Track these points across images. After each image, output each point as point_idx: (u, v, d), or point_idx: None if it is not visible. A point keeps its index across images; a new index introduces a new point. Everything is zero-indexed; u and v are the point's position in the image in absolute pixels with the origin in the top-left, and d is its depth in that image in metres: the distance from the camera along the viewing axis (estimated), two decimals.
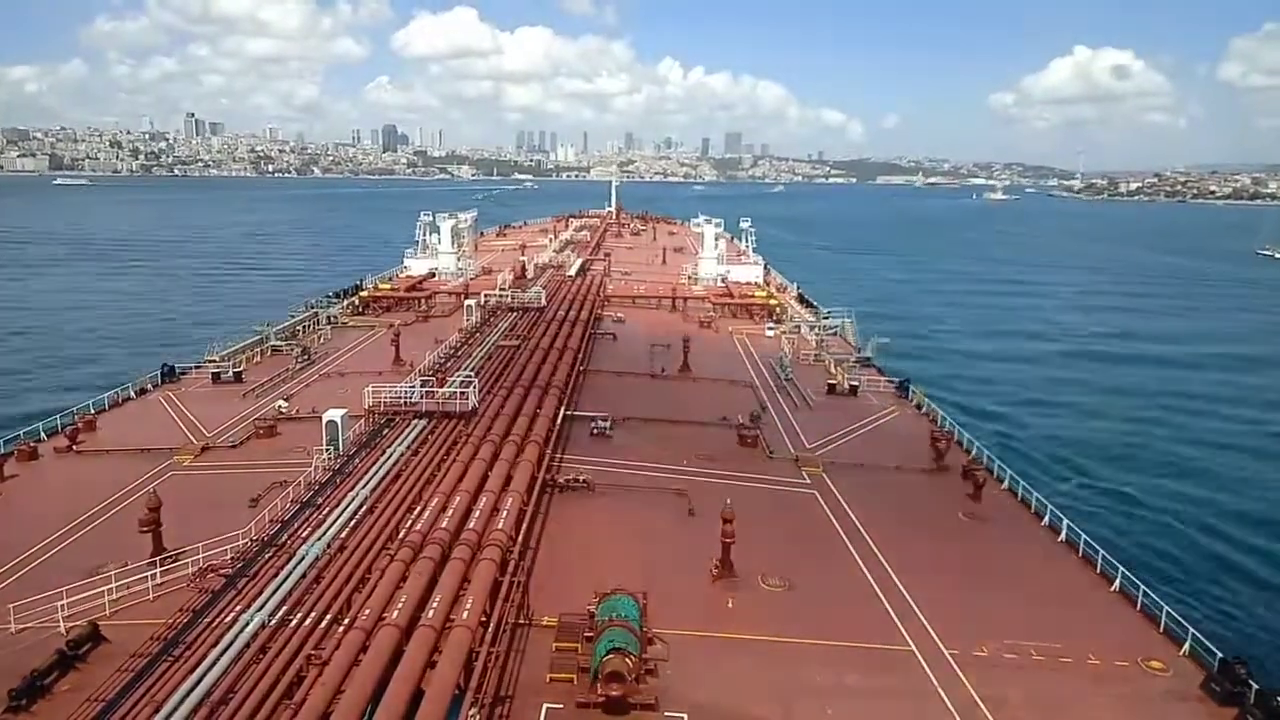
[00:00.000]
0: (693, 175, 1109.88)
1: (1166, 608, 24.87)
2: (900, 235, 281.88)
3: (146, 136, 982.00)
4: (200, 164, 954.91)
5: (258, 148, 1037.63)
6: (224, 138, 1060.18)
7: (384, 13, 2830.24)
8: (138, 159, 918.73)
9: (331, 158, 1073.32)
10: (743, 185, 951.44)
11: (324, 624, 21.44)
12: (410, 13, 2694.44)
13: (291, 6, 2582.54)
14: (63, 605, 22.80)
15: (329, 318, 67.87)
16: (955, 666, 22.37)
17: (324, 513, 28.41)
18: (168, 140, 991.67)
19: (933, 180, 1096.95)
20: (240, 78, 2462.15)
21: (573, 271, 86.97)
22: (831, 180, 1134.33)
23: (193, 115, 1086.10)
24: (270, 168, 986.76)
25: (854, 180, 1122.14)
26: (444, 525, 25.69)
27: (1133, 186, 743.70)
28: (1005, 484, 36.34)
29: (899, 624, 24.44)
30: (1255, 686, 20.84)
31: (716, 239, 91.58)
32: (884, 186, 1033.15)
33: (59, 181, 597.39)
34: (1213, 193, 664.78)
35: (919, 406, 48.13)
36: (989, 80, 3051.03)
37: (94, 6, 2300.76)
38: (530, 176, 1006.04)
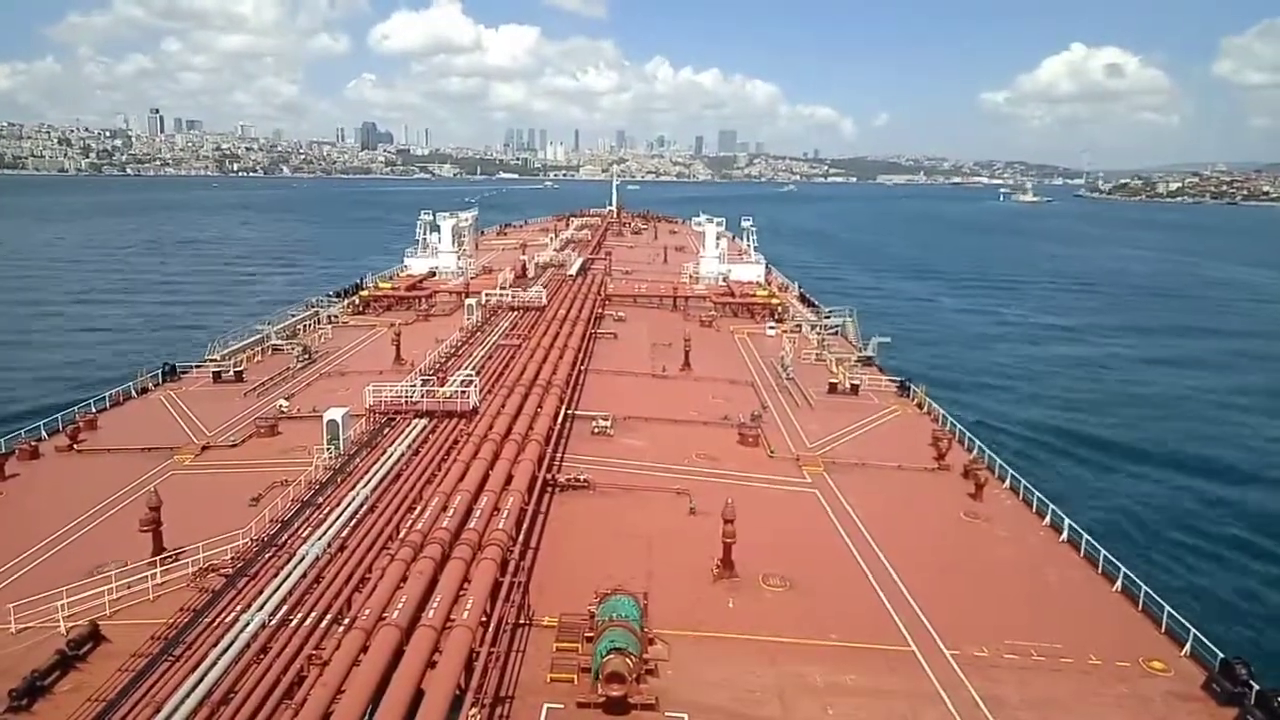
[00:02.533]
0: (686, 175, 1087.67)
1: (1168, 608, 24.84)
2: (998, 256, 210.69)
3: (106, 134, 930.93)
4: (158, 162, 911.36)
5: (224, 145, 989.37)
6: (189, 135, 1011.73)
7: (361, 8, 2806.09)
8: (88, 157, 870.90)
9: (304, 156, 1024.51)
10: (739, 184, 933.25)
11: (324, 624, 21.43)
12: (390, 7, 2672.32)
13: (265, 1, 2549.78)
14: (63, 605, 22.81)
15: (330, 317, 68.00)
16: (956, 666, 22.36)
17: (324, 512, 28.36)
18: (128, 136, 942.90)
19: (956, 180, 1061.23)
20: (220, 76, 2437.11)
21: (573, 270, 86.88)
22: (831, 179, 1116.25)
23: (157, 111, 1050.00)
24: (235, 166, 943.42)
25: (854, 179, 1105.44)
26: (445, 525, 25.66)
27: (1173, 186, 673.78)
28: (1006, 483, 36.31)
29: (900, 624, 24.43)
30: (1256, 687, 20.79)
31: (718, 238, 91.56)
32: (884, 185, 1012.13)
33: None
34: (1266, 194, 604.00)
35: (920, 405, 48.10)
36: (981, 77, 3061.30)
37: (65, 4, 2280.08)
38: (515, 175, 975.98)
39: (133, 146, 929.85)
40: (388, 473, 31.94)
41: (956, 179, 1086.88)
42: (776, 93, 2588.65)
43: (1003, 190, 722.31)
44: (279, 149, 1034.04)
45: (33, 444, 37.43)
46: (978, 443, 40.66)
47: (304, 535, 26.56)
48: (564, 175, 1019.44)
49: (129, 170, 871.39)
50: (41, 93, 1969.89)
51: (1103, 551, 28.82)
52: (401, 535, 25.70)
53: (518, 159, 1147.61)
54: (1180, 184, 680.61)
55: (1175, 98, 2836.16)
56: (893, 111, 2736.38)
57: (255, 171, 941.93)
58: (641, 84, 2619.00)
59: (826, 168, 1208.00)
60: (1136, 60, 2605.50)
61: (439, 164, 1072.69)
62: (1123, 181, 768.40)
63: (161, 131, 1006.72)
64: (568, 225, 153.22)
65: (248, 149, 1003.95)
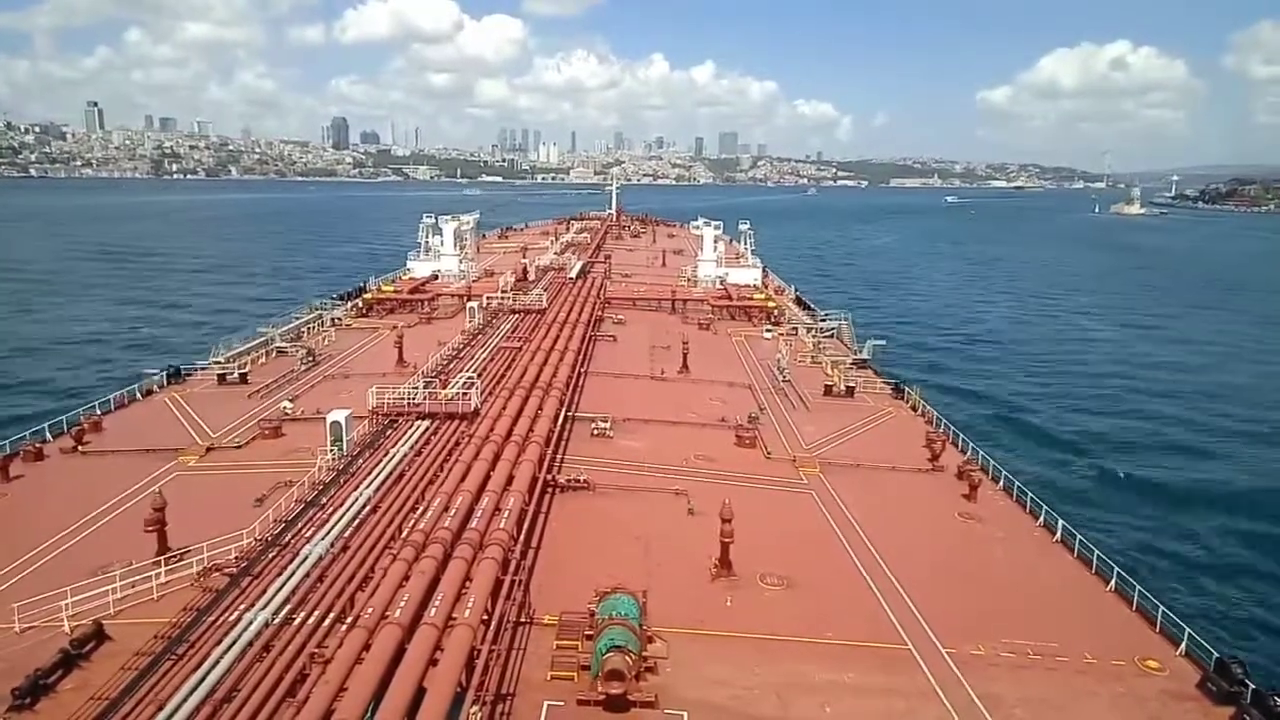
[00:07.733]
0: (686, 178, 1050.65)
1: (1163, 607, 25.02)
2: None
3: (36, 129, 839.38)
4: (78, 162, 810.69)
5: (166, 144, 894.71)
6: (128, 132, 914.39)
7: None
8: None
9: (258, 156, 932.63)
10: (745, 189, 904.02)
11: (327, 623, 21.63)
12: None
13: None
14: (67, 604, 22.95)
15: (333, 319, 68.26)
16: (952, 665, 22.54)
17: (328, 512, 28.60)
18: (63, 133, 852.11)
19: (1017, 184, 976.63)
20: (195, 74, 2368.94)
21: (573, 274, 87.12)
22: (840, 183, 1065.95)
23: (95, 104, 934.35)
24: (175, 168, 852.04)
25: (864, 183, 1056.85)
26: (446, 525, 25.87)
27: None
28: (1000, 484, 36.55)
29: (896, 623, 24.63)
30: (1251, 686, 20.96)
31: (715, 241, 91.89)
32: (899, 189, 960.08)
33: None
34: None
35: (914, 408, 48.35)
36: (983, 72, 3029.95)
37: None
38: (499, 178, 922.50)
39: (47, 145, 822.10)
40: (390, 473, 32.14)
41: (1022, 182, 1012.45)
42: (773, 89, 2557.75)
43: (1095, 201, 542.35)
44: (229, 148, 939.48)
45: (37, 445, 37.56)
46: (971, 444, 40.92)
47: (307, 535, 26.78)
48: (553, 179, 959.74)
49: (32, 172, 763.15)
50: (15, 88, 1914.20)
51: (1096, 551, 29.02)
52: (404, 535, 25.89)
53: (504, 161, 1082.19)
54: None
55: (1200, 97, 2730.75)
56: (892, 108, 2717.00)
57: (196, 173, 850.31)
58: (633, 79, 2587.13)
59: (835, 170, 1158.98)
60: (1149, 52, 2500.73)
61: (414, 166, 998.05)
62: (1217, 188, 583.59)
63: (101, 128, 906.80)
64: (568, 228, 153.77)
65: (192, 148, 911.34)
